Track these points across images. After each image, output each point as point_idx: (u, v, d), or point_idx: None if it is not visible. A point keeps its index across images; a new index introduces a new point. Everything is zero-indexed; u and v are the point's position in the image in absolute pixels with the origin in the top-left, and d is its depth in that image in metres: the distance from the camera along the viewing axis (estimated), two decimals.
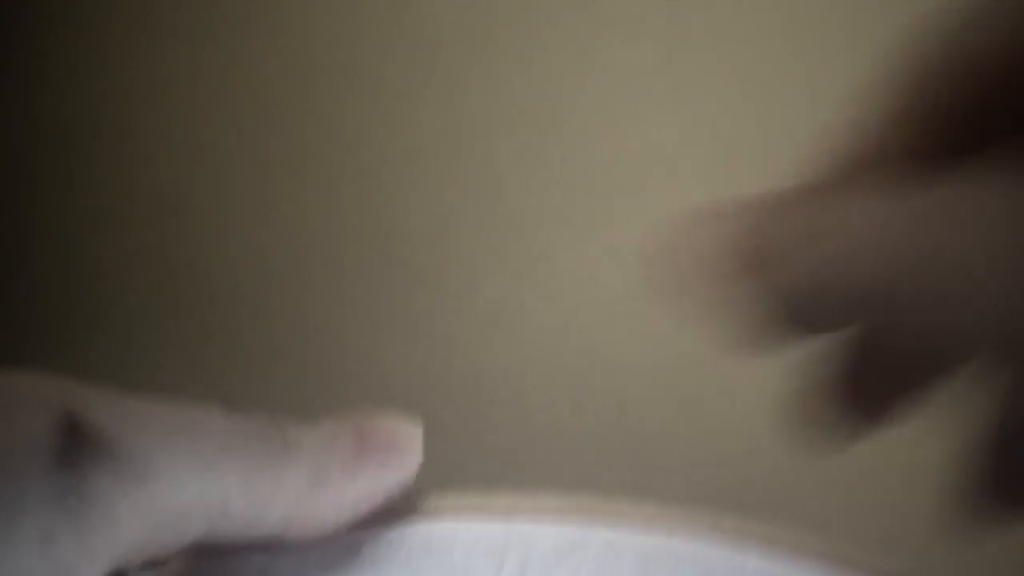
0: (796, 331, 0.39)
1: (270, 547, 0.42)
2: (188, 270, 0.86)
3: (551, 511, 0.43)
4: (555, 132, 0.83)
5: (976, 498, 0.38)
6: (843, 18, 0.81)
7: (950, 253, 0.37)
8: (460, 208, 0.83)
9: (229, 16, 0.89)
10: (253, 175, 0.87)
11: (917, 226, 0.38)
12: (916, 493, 0.74)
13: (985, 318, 0.37)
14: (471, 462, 0.70)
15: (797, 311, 0.40)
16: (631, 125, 0.82)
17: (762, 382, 0.67)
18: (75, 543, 0.37)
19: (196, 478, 0.39)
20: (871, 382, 0.41)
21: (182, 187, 0.88)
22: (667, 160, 0.81)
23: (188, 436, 0.40)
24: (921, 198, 0.38)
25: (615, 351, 0.77)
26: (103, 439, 0.38)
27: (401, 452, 0.45)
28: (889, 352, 0.40)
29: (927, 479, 0.72)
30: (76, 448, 0.38)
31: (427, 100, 0.85)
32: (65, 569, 0.37)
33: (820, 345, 0.40)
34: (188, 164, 0.89)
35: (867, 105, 0.41)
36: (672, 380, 0.77)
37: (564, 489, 0.44)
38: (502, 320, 0.79)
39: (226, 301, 0.85)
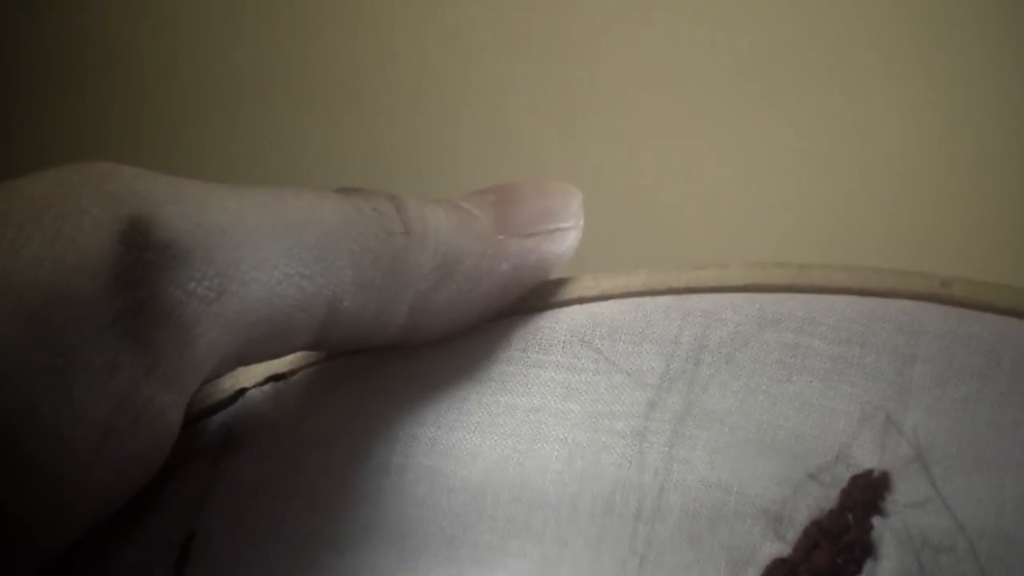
0: None
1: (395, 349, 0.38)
2: None
3: (736, 287, 0.39)
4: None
5: None
6: None
7: None
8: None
9: None
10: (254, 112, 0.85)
11: None
12: None
13: None
14: None
15: None
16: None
17: None
18: (144, 371, 0.33)
19: (294, 279, 0.35)
20: None
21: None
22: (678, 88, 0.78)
23: (283, 229, 0.35)
24: None
25: None
26: (175, 246, 0.34)
27: (557, 221, 0.40)
28: None
29: None
30: (143, 260, 0.34)
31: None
32: (136, 399, 0.33)
33: None
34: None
35: None
36: None
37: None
38: None
39: None
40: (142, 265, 0.34)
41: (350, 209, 0.37)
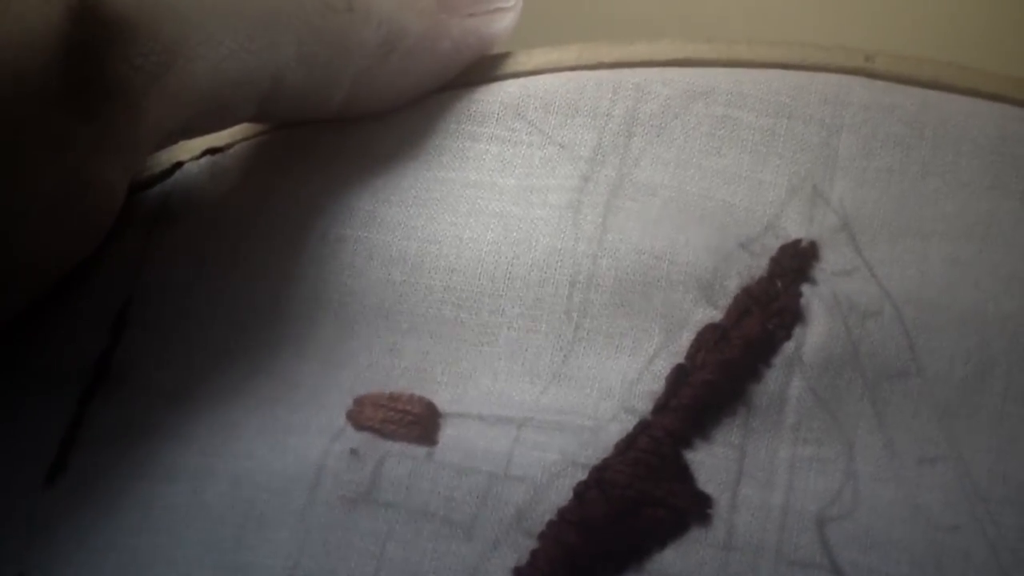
0: None
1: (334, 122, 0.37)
2: None
3: (665, 61, 0.38)
4: None
5: None
6: None
7: None
8: None
9: None
10: None
11: None
12: None
13: None
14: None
15: None
16: None
17: None
18: (94, 144, 0.32)
19: (238, 55, 0.34)
20: None
21: None
22: None
23: (229, 6, 0.34)
24: None
25: None
26: (123, 22, 0.32)
27: (497, 1, 0.39)
28: None
29: None
30: (91, 35, 0.32)
31: None
32: (84, 173, 0.32)
33: None
34: None
35: None
36: None
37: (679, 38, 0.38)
38: None
39: None
40: (90, 40, 0.32)
41: None
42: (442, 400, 0.34)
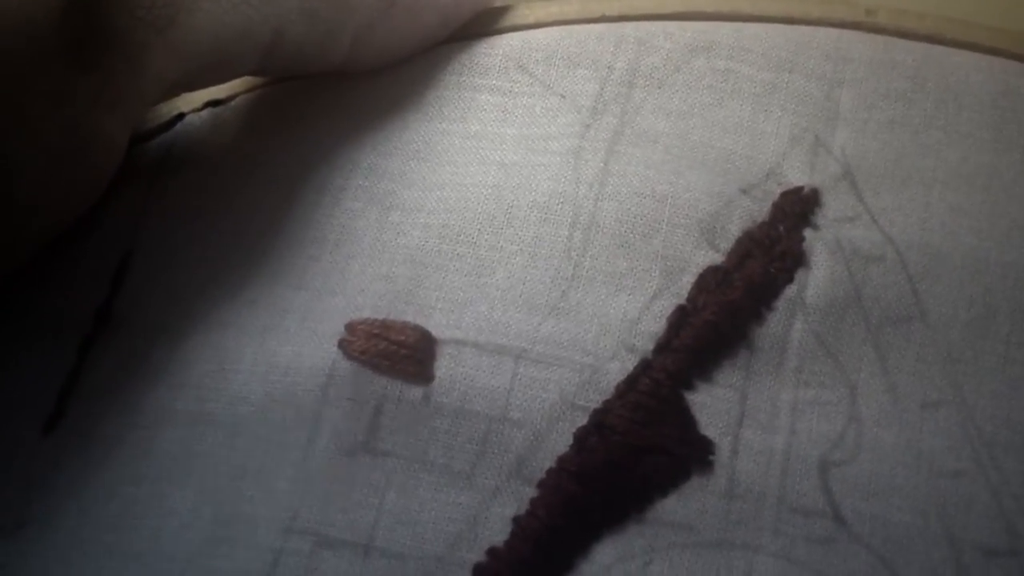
0: None
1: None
2: None
3: (667, 15, 0.37)
4: None
5: None
6: None
7: None
8: None
9: None
10: None
11: None
12: None
13: None
14: None
15: None
16: None
17: None
18: (95, 96, 0.32)
19: (240, 8, 0.33)
20: None
21: None
22: None
23: None
24: None
25: None
26: None
27: None
28: None
29: None
30: None
31: None
32: (86, 124, 0.32)
33: None
34: None
35: None
36: None
37: None
38: None
39: None
40: None
41: None
42: (437, 325, 0.34)
